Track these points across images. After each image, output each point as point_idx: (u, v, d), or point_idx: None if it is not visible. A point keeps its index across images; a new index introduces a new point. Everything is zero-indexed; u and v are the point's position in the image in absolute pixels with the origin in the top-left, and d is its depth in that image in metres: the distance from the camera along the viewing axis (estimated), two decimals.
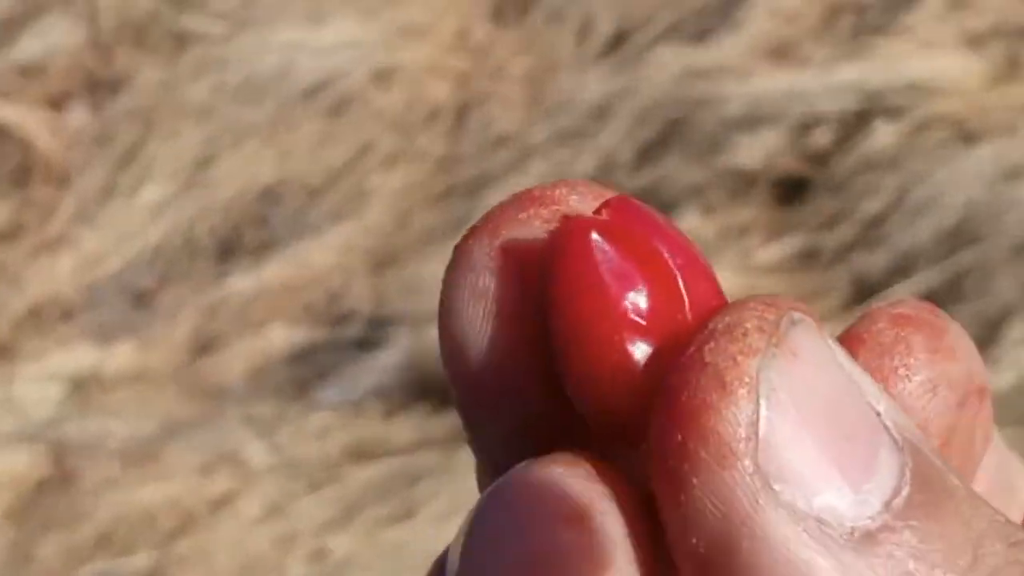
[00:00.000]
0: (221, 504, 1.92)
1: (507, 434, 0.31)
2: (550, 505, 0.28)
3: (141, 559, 1.88)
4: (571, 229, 0.29)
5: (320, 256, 2.24)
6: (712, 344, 0.28)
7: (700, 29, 2.30)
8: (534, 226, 0.30)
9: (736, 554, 0.26)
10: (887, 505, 0.27)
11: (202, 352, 2.16)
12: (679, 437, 0.27)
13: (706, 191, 2.09)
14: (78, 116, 2.56)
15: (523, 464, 0.29)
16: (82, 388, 2.15)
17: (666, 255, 0.30)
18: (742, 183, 2.08)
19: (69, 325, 2.27)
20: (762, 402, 0.27)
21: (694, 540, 0.27)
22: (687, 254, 0.31)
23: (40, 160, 2.49)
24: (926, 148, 1.99)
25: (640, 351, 0.29)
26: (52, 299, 2.30)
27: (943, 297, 1.82)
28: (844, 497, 0.27)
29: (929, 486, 0.27)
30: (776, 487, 0.27)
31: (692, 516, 0.27)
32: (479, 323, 0.30)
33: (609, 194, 0.31)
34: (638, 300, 0.29)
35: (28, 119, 2.54)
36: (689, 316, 0.29)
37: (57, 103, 2.57)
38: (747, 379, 0.27)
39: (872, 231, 1.95)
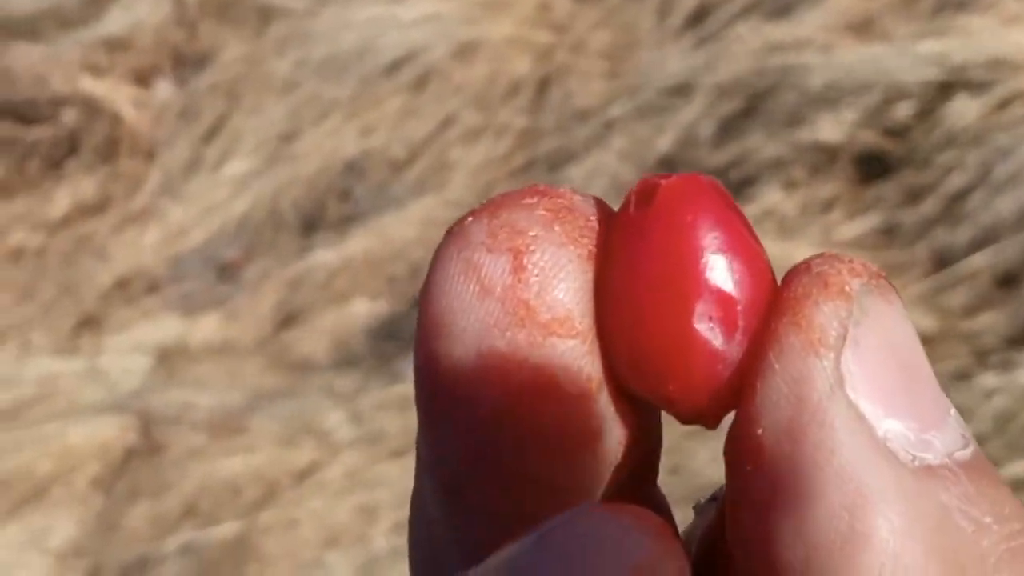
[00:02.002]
0: (305, 475, 1.94)
1: (476, 429, 0.29)
2: (622, 566, 0.26)
3: (226, 529, 1.91)
4: (680, 189, 0.29)
5: (402, 229, 2.25)
6: (820, 261, 0.29)
7: (781, 4, 2.29)
8: (537, 213, 0.29)
9: (800, 441, 0.27)
10: (950, 455, 0.28)
11: (286, 324, 2.18)
12: (773, 326, 0.28)
13: (788, 166, 2.08)
14: (164, 91, 2.59)
15: (583, 511, 0.26)
16: (168, 359, 2.18)
17: (748, 229, 0.29)
18: (824, 158, 2.08)
19: (155, 297, 2.29)
20: (856, 316, 0.28)
21: (760, 430, 0.28)
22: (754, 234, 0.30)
23: (127, 134, 2.52)
24: (1009, 123, 1.98)
25: (742, 321, 0.29)
26: (138, 271, 2.33)
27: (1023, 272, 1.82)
28: (911, 431, 0.28)
29: (987, 466, 0.29)
30: (851, 393, 0.27)
31: (765, 401, 0.28)
32: (467, 299, 0.29)
33: (602, 200, 0.31)
34: (734, 267, 0.29)
35: (115, 94, 2.57)
36: (769, 292, 0.29)
37: (143, 78, 2.60)
38: (848, 289, 0.28)
39: (954, 206, 1.94)
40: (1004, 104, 2.00)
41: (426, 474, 0.31)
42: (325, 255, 2.25)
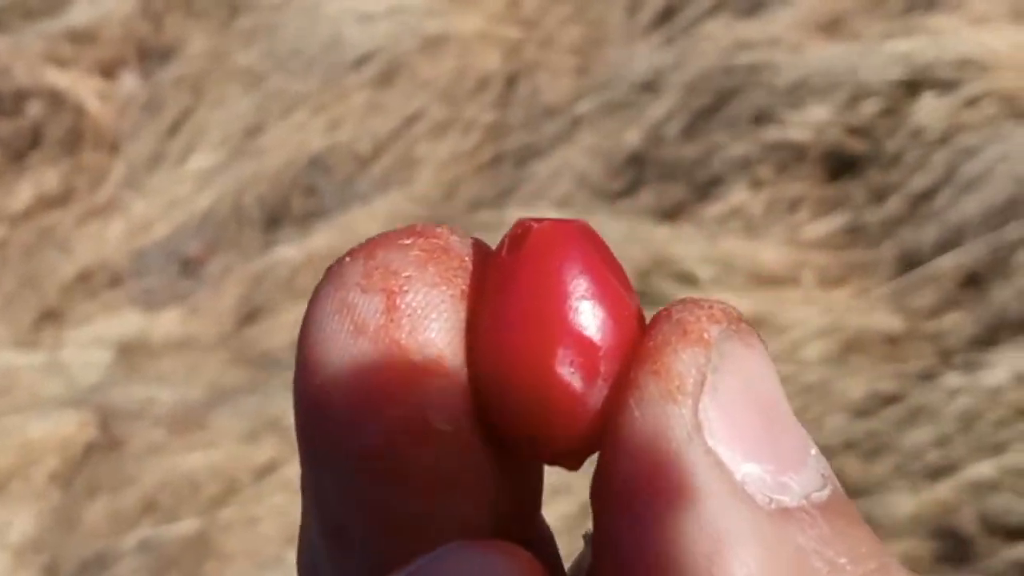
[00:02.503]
0: (266, 471, 1.93)
1: (351, 468, 0.29)
2: None
3: (186, 525, 1.90)
4: (550, 233, 0.29)
5: (368, 225, 2.24)
6: (680, 308, 0.29)
7: (751, 2, 2.28)
8: (411, 253, 0.29)
9: (661, 489, 0.28)
10: (807, 497, 0.29)
11: (248, 320, 2.17)
12: (633, 374, 0.28)
13: (755, 165, 2.08)
14: (129, 83, 2.57)
15: (450, 549, 0.27)
16: (129, 354, 2.16)
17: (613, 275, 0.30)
18: (791, 157, 2.07)
19: (117, 291, 2.28)
20: (714, 362, 0.29)
21: (622, 477, 0.28)
22: (623, 278, 0.30)
23: (91, 126, 2.50)
24: (976, 123, 1.97)
25: (603, 367, 0.29)
26: (101, 265, 2.32)
27: (990, 272, 1.81)
28: (768, 474, 0.28)
29: (846, 505, 0.29)
30: (709, 441, 0.28)
31: (626, 448, 0.28)
32: (341, 338, 0.29)
33: (480, 241, 0.31)
34: (598, 313, 0.29)
35: (79, 86, 2.55)
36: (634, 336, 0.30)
37: (108, 70, 2.58)
38: (706, 335, 0.29)
39: (921, 206, 1.93)
40: (971, 104, 1.99)
41: (312, 513, 0.31)
42: (288, 251, 2.24)
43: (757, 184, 2.06)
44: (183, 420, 2.02)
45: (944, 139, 1.97)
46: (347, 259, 0.30)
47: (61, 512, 1.97)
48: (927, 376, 1.72)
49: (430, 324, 0.29)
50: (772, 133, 2.10)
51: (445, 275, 0.29)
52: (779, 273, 1.93)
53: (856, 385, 1.69)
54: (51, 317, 2.25)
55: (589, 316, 0.29)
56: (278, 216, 2.30)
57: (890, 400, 1.69)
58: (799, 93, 2.12)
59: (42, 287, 2.30)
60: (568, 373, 0.28)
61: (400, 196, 2.27)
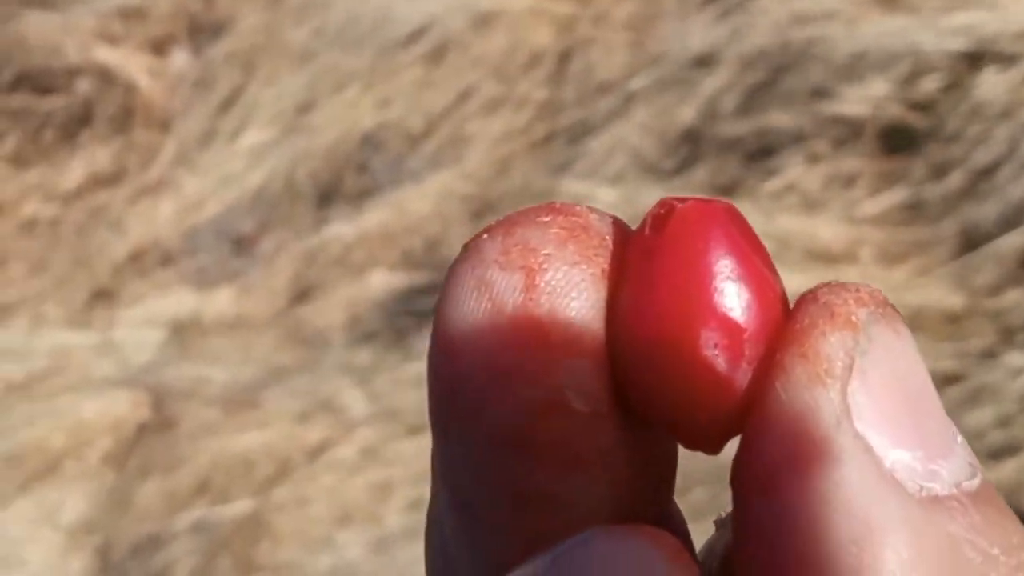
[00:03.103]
0: (319, 452, 1.92)
1: (484, 445, 0.29)
2: None
3: (239, 506, 1.89)
4: (694, 213, 0.29)
5: (419, 203, 2.23)
6: (827, 290, 0.29)
7: None
8: (551, 230, 0.29)
9: (807, 473, 0.27)
10: (957, 485, 0.28)
11: (301, 299, 2.16)
12: (779, 356, 0.28)
13: (811, 140, 2.05)
14: (180, 60, 2.56)
15: (596, 533, 0.27)
16: (182, 333, 2.16)
17: (762, 259, 0.29)
18: (848, 132, 2.05)
19: (169, 270, 2.28)
20: (862, 345, 0.28)
21: (766, 461, 0.28)
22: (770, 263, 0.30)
23: (142, 104, 2.50)
24: None
25: (748, 350, 0.28)
26: (153, 244, 2.31)
27: None
28: (917, 460, 0.28)
29: (994, 494, 0.29)
30: (858, 425, 0.27)
31: (771, 432, 0.28)
32: (479, 316, 0.29)
33: (619, 219, 0.31)
34: (743, 295, 0.29)
35: (130, 63, 2.55)
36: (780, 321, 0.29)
37: (159, 47, 2.57)
38: (854, 319, 0.28)
39: (981, 182, 1.91)
40: None
41: (440, 486, 0.31)
42: (341, 228, 2.23)
43: (814, 159, 2.03)
44: (236, 400, 2.01)
45: (1006, 113, 1.94)
46: (484, 236, 0.29)
47: (114, 493, 1.97)
48: (988, 355, 1.70)
49: (570, 303, 0.29)
50: (829, 108, 2.08)
51: (585, 253, 0.29)
52: (837, 250, 1.91)
53: None
54: (103, 296, 2.25)
55: (734, 297, 0.28)
56: (330, 194, 2.30)
57: (952, 380, 1.67)
58: (856, 67, 2.10)
59: (94, 266, 2.30)
60: (712, 355, 0.28)
61: (452, 174, 2.26)
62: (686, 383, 0.28)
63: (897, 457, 0.28)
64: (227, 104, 2.46)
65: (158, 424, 2.03)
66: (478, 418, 0.29)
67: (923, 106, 2.03)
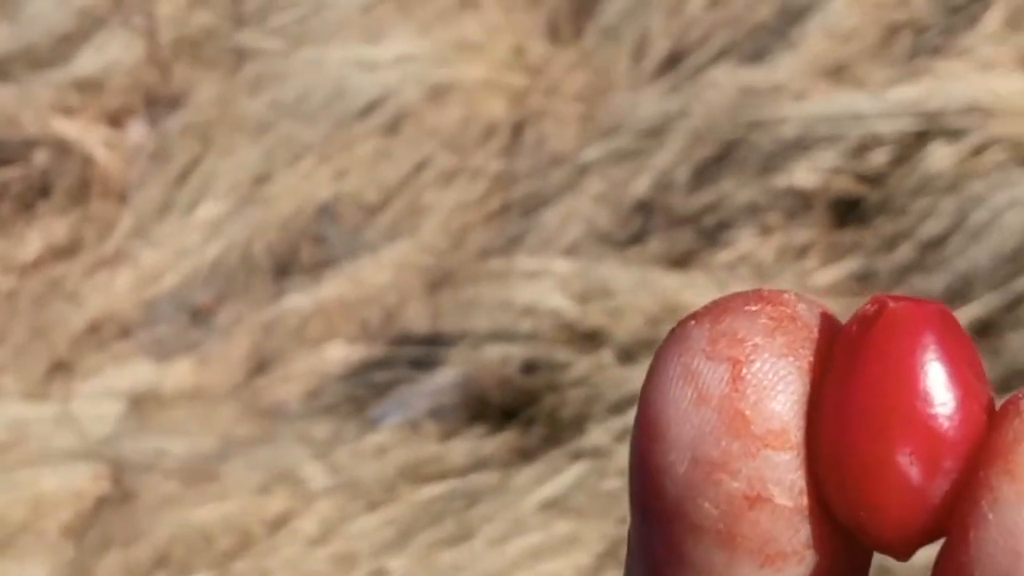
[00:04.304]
0: (279, 524, 1.93)
1: (686, 533, 0.29)
2: None
3: None
4: (905, 315, 0.29)
5: (376, 274, 2.25)
6: None
7: (756, 49, 2.29)
8: (759, 320, 0.29)
9: None
10: None
11: (259, 370, 2.17)
12: (983, 472, 0.28)
13: (763, 212, 2.08)
14: (136, 132, 2.57)
15: None
16: (140, 405, 2.16)
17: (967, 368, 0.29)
18: (799, 203, 2.08)
19: (127, 342, 2.28)
20: None
21: None
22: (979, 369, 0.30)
23: (99, 176, 2.51)
24: (984, 170, 1.98)
25: (947, 462, 0.28)
26: (110, 315, 2.32)
27: (1002, 321, 1.82)
28: None
29: None
30: None
31: (980, 553, 0.27)
32: (684, 405, 0.29)
33: (821, 306, 0.31)
34: (947, 403, 0.29)
35: (87, 135, 2.56)
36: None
37: (116, 119, 2.58)
38: None
39: (930, 253, 1.94)
40: (979, 151, 2.00)
41: (638, 567, 0.31)
42: (298, 300, 2.24)
43: (766, 231, 2.06)
44: (195, 472, 2.02)
45: (953, 186, 1.98)
46: (692, 323, 0.30)
47: (74, 566, 1.97)
48: None
49: (776, 396, 0.29)
50: (780, 180, 2.11)
51: (792, 346, 0.29)
52: None
53: None
54: (61, 368, 2.25)
55: (936, 407, 0.28)
56: (287, 265, 2.31)
57: None
58: (806, 140, 2.13)
59: (52, 338, 2.30)
60: (907, 463, 0.28)
61: (408, 245, 2.28)
62: (877, 488, 0.28)
63: None
64: (184, 176, 2.47)
65: (117, 496, 2.03)
66: (681, 507, 0.29)
67: (872, 178, 2.06)
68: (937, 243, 1.94)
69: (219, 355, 2.20)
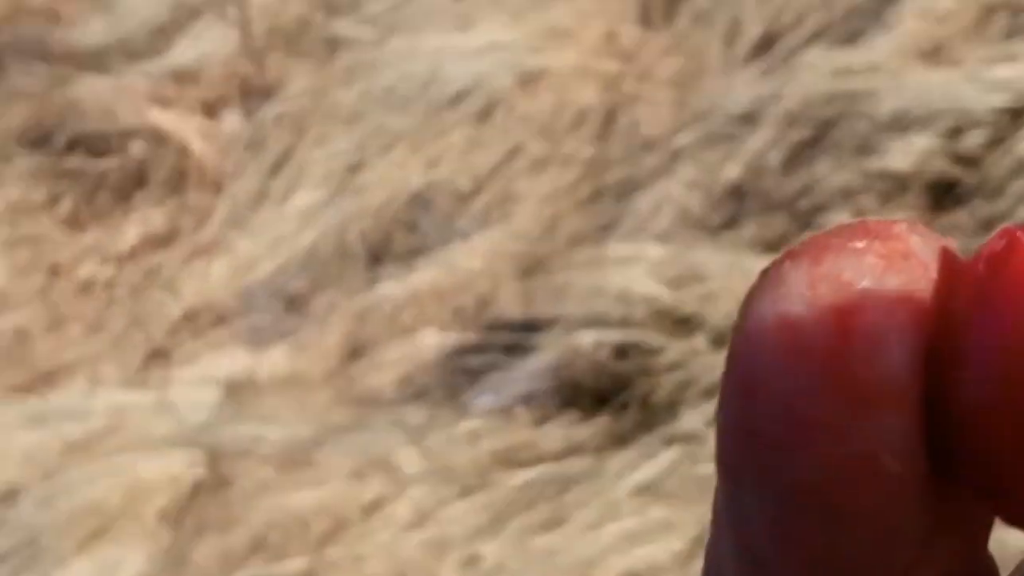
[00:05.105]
0: (373, 509, 1.94)
1: (782, 500, 0.26)
2: None
3: (294, 564, 1.91)
4: None
5: (469, 261, 2.25)
6: None
7: (850, 30, 2.27)
8: (867, 259, 0.25)
9: None
10: None
11: (354, 357, 2.18)
12: None
13: (857, 195, 2.07)
14: (231, 122, 2.60)
15: None
16: (236, 392, 2.18)
17: None
18: (894, 186, 2.06)
19: (223, 329, 2.30)
20: None
21: None
22: None
23: (195, 166, 2.53)
24: None
25: None
26: (206, 304, 2.34)
27: None
28: None
29: None
30: None
31: None
32: (782, 358, 0.25)
33: (939, 239, 0.27)
34: None
35: (183, 125, 2.58)
36: None
37: (211, 109, 2.61)
38: None
39: None
40: None
41: (725, 534, 0.28)
42: (392, 287, 2.25)
43: (860, 214, 2.04)
44: (290, 458, 2.03)
45: None
46: (788, 264, 0.25)
47: (171, 551, 1.99)
48: None
49: (889, 349, 0.25)
50: (874, 163, 2.09)
51: (907, 289, 0.25)
52: None
53: None
54: (159, 356, 2.28)
55: None
56: (380, 253, 2.32)
57: None
58: (901, 122, 2.11)
59: (149, 327, 2.33)
60: None
61: (501, 232, 2.28)
62: (1019, 451, 0.25)
63: None
64: (278, 165, 2.49)
65: (214, 482, 2.05)
66: (777, 472, 0.26)
67: (968, 160, 2.04)
68: None
69: (314, 342, 2.21)
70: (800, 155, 2.16)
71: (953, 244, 0.26)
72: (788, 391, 0.25)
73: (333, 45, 2.61)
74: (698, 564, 0.28)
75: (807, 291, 0.25)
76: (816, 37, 2.29)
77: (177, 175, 2.52)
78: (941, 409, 0.25)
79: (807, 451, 0.25)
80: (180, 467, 2.07)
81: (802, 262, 0.25)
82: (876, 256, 0.25)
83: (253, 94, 2.59)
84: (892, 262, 0.25)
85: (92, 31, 2.72)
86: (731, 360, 0.26)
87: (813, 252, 0.25)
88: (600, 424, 1.96)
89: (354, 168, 2.44)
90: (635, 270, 2.09)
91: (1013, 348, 0.24)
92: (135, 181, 2.54)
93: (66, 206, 2.53)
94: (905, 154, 2.07)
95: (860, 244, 0.25)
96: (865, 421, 0.25)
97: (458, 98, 2.46)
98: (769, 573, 0.27)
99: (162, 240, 2.45)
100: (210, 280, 2.37)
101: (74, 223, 2.51)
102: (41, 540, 2.02)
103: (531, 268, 2.20)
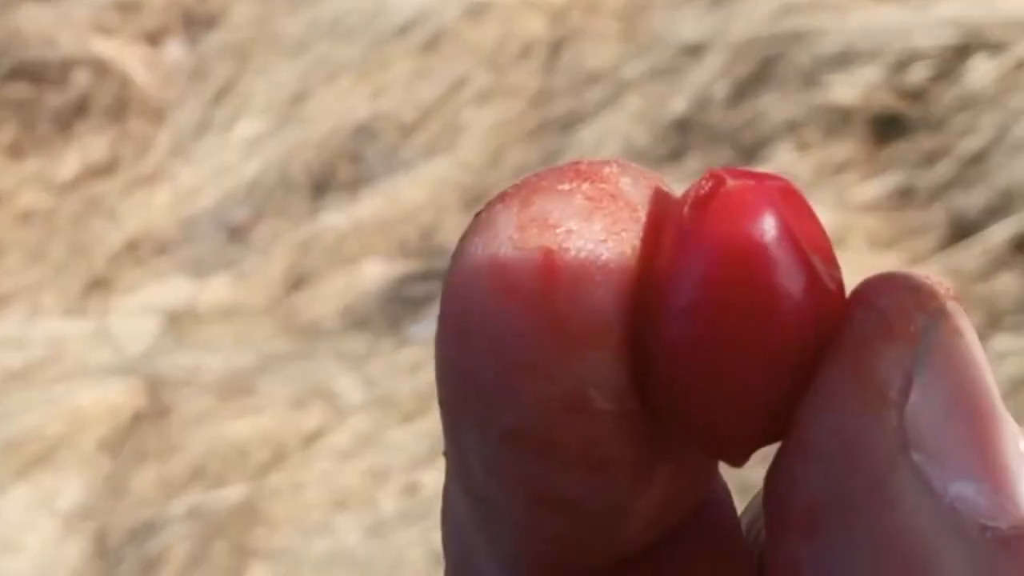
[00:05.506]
0: (313, 438, 1.93)
1: (498, 442, 0.26)
2: None
3: (234, 492, 1.90)
4: (742, 194, 0.25)
5: (413, 192, 2.24)
6: (880, 289, 0.25)
7: None
8: (575, 201, 0.25)
9: (854, 513, 0.24)
10: None
11: (296, 287, 2.17)
12: (827, 372, 0.25)
13: (802, 128, 2.06)
14: (174, 51, 2.57)
15: None
16: (177, 321, 2.17)
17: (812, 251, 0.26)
18: (838, 120, 2.06)
19: (165, 259, 2.29)
20: (921, 358, 0.25)
21: (807, 493, 0.25)
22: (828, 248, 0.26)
23: (137, 95, 2.51)
24: None
25: (785, 355, 0.25)
26: (148, 233, 2.32)
27: None
28: (982, 493, 0.24)
29: None
30: (915, 456, 0.24)
31: (816, 462, 0.25)
32: (491, 300, 0.25)
33: (654, 178, 0.26)
34: (799, 296, 0.25)
35: (125, 54, 2.56)
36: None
37: (154, 39, 2.58)
38: (912, 328, 0.25)
39: (970, 169, 1.92)
40: (1021, 65, 1.98)
41: (452, 474, 0.28)
42: (335, 217, 2.24)
43: (804, 147, 2.05)
44: (231, 387, 2.02)
45: (994, 101, 1.96)
46: (498, 206, 0.26)
47: (110, 479, 1.98)
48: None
49: (594, 290, 0.25)
50: (819, 96, 2.09)
51: (613, 229, 0.25)
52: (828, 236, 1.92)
53: None
54: (99, 285, 2.26)
55: (777, 300, 0.25)
56: (324, 183, 2.31)
57: None
58: (846, 56, 2.11)
59: (90, 256, 2.31)
60: (744, 361, 0.25)
61: (446, 163, 2.27)
62: (715, 389, 0.25)
63: (958, 491, 0.24)
64: (221, 95, 2.47)
65: (153, 411, 2.04)
66: (491, 414, 0.25)
67: (913, 94, 2.04)
68: (978, 158, 1.92)
69: (256, 272, 2.20)
70: (745, 88, 2.15)
71: (662, 183, 0.26)
72: (497, 332, 0.25)
73: None
74: None
75: (515, 233, 0.25)
76: None
77: (119, 104, 2.50)
78: (645, 347, 0.25)
79: (518, 391, 0.25)
80: (120, 396, 2.06)
81: (512, 205, 0.25)
82: (584, 197, 0.25)
83: (196, 23, 2.57)
84: (600, 203, 0.25)
85: None
86: (444, 303, 0.26)
87: (523, 195, 0.25)
88: None
89: (298, 98, 2.42)
90: None
91: (705, 285, 0.25)
92: (77, 110, 2.52)
93: (7, 135, 2.50)
94: (849, 87, 2.07)
95: (568, 186, 0.25)
96: (571, 360, 0.25)
97: (404, 29, 2.44)
98: (492, 510, 0.27)
99: (104, 169, 2.43)
100: (152, 209, 2.35)
101: (15, 152, 2.48)
102: None
103: (475, 199, 2.19)
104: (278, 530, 1.84)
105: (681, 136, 2.16)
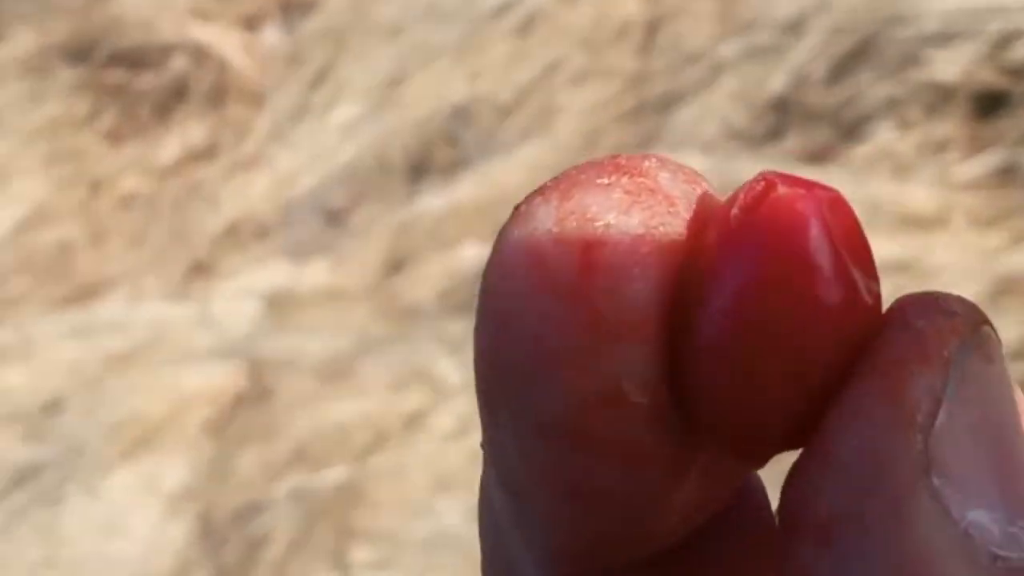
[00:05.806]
0: (414, 420, 1.94)
1: (534, 433, 0.26)
2: None
3: (335, 473, 1.92)
4: (791, 203, 0.25)
5: (510, 175, 2.24)
6: (917, 312, 0.26)
7: None
8: (613, 195, 0.25)
9: (869, 529, 0.24)
10: None
11: (394, 270, 2.18)
12: (856, 388, 0.25)
13: (902, 106, 2.05)
14: (272, 37, 2.59)
15: None
16: (277, 305, 2.19)
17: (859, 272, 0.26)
18: (939, 97, 2.04)
19: (264, 243, 2.30)
20: (952, 384, 0.25)
21: (826, 505, 0.25)
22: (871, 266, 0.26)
23: (235, 80, 2.53)
24: None
25: (817, 368, 0.25)
26: (248, 217, 2.34)
27: None
28: (997, 522, 0.24)
29: None
30: (936, 480, 0.24)
31: (838, 475, 0.25)
32: (529, 293, 0.25)
33: (693, 174, 0.27)
34: (838, 309, 0.25)
35: (224, 40, 2.57)
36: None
37: (251, 24, 2.60)
38: (946, 353, 0.25)
39: None
40: None
41: (489, 465, 0.28)
42: (433, 201, 2.25)
43: (905, 125, 2.03)
44: (331, 370, 2.04)
45: None
46: (537, 199, 0.26)
47: (214, 461, 2.00)
48: None
49: (631, 283, 0.25)
50: (919, 73, 2.07)
51: (651, 223, 0.26)
52: (929, 215, 1.90)
53: (1008, 328, 1.66)
54: (200, 270, 2.28)
55: (816, 311, 0.25)
56: (421, 167, 2.31)
57: None
58: (946, 34, 2.09)
59: (191, 240, 2.33)
60: (776, 370, 0.25)
61: (542, 146, 2.27)
62: (743, 394, 0.26)
63: (974, 518, 0.24)
64: (318, 80, 2.48)
65: (255, 394, 2.06)
66: (526, 406, 0.26)
67: (1015, 71, 2.02)
68: None
69: (354, 255, 2.21)
70: (844, 66, 2.14)
71: (702, 179, 0.27)
72: (535, 324, 0.25)
73: None
74: None
75: (554, 227, 0.25)
76: None
77: (218, 89, 2.52)
78: (682, 344, 0.25)
79: (553, 382, 0.25)
80: (222, 378, 2.08)
81: (551, 198, 0.26)
82: (622, 192, 0.26)
83: (293, 8, 2.59)
84: (638, 197, 0.26)
85: None
86: (483, 294, 0.26)
87: (563, 188, 0.26)
88: None
89: (395, 82, 2.43)
90: None
91: (746, 288, 0.25)
92: (176, 95, 2.54)
93: (107, 120, 2.53)
94: (951, 64, 2.05)
95: (607, 180, 0.26)
96: (607, 352, 0.25)
97: (500, 11, 2.45)
98: (527, 502, 0.27)
99: (203, 154, 2.45)
100: (251, 194, 2.37)
101: (115, 137, 2.51)
102: (85, 449, 2.04)
103: None
104: (380, 512, 1.85)
105: (779, 116, 2.14)
